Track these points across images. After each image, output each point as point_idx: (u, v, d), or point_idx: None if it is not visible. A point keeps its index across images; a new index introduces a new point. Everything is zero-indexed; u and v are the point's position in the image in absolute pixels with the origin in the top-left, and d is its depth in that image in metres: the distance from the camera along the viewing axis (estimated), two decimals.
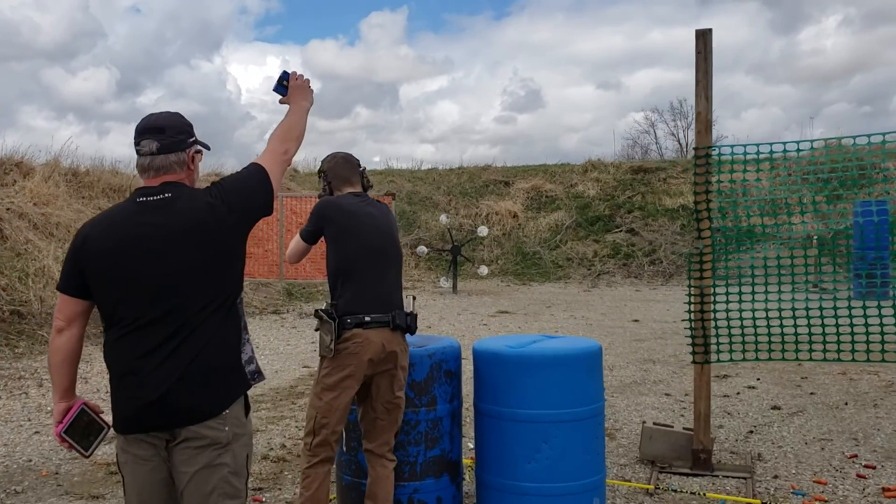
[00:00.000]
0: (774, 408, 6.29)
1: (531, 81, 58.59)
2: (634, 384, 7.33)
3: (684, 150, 34.81)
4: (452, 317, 12.38)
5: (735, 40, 57.84)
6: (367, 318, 3.27)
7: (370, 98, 61.00)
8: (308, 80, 2.70)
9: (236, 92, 59.06)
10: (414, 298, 3.54)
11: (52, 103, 53.23)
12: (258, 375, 2.48)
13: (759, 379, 7.41)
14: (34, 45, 52.75)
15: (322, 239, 3.45)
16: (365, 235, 3.38)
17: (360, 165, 3.64)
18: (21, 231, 11.95)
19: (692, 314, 4.83)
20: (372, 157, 32.60)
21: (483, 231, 17.38)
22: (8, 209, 12.42)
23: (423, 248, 17.63)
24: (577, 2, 67.80)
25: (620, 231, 19.53)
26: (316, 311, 3.33)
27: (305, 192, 15.78)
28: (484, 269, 17.16)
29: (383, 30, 65.25)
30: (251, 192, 2.44)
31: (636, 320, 11.75)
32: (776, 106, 55.14)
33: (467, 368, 4.11)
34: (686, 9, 61.93)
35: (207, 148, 2.58)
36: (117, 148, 54.72)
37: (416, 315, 3.47)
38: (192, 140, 2.46)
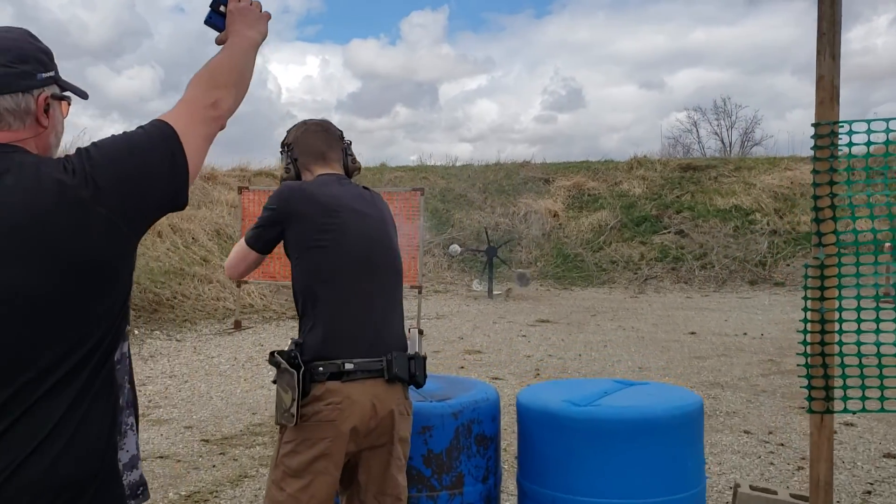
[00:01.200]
0: (888, 455, 5.06)
1: (572, 81, 58.00)
2: (704, 417, 6.13)
3: (728, 149, 33.64)
4: (487, 326, 11.23)
5: (781, 40, 57.05)
6: (350, 366, 2.21)
7: (410, 97, 61.26)
8: (258, 3, 1.63)
9: (276, 91, 59.43)
10: (421, 333, 2.43)
11: (97, 101, 54.21)
12: (143, 492, 1.43)
13: (855, 413, 6.17)
14: (81, 43, 53.69)
15: (281, 246, 2.37)
16: (348, 240, 2.31)
17: (342, 137, 2.56)
18: None
19: (809, 346, 3.60)
20: (409, 156, 32.11)
21: (455, 249, 16.23)
22: None
23: (455, 247, 16.44)
24: (618, 0, 66.49)
25: (669, 232, 18.22)
26: (273, 354, 2.25)
27: None
28: (517, 277, 15.61)
29: (424, 29, 65.54)
30: (144, 168, 1.37)
31: (693, 333, 10.50)
32: None
33: (507, 424, 2.98)
34: (731, 8, 60.72)
35: (81, 95, 1.52)
36: None
37: (425, 358, 2.38)
38: (45, 76, 1.40)
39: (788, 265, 16.51)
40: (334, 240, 2.28)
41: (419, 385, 2.34)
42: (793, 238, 17.22)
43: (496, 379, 7.41)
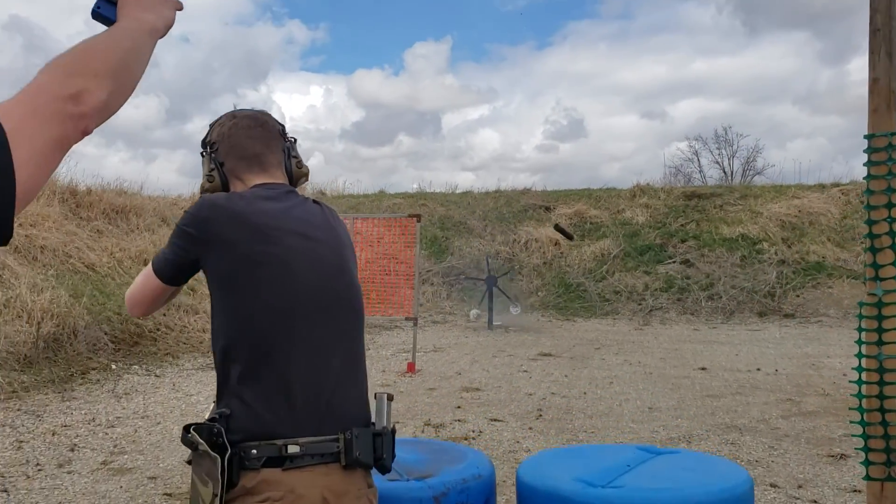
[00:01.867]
0: None
1: (574, 111, 58.31)
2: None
3: (729, 178, 33.32)
4: (486, 360, 10.64)
5: (782, 70, 57.18)
6: (294, 449, 1.65)
7: (413, 126, 61.74)
8: None
9: (281, 120, 59.77)
10: (390, 398, 1.86)
11: (103, 130, 53.82)
12: None
13: None
14: None
15: (204, 277, 1.81)
16: (291, 273, 1.76)
17: (283, 134, 2.01)
18: None
19: (865, 399, 3.02)
20: (411, 184, 31.92)
21: (514, 310, 15.68)
22: None
23: (476, 312, 15.74)
24: (619, 32, 66.89)
25: (674, 262, 17.67)
26: (187, 430, 1.70)
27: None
28: (516, 310, 14.94)
29: (427, 60, 65.97)
30: None
31: (703, 368, 9.91)
32: (823, 136, 54.12)
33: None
34: (732, 38, 60.75)
35: None
36: (163, 175, 58.22)
37: (394, 431, 1.82)
38: None
39: (798, 296, 15.94)
40: (271, 273, 1.73)
41: (385, 470, 1.77)
42: (802, 268, 16.67)
43: (496, 420, 6.84)
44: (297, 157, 2.01)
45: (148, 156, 54.81)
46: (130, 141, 56.07)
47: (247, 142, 1.92)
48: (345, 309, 1.84)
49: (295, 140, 2.04)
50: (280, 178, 1.94)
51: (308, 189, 21.37)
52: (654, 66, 64.15)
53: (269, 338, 1.71)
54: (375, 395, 1.84)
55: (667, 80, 62.49)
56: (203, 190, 1.94)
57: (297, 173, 2.00)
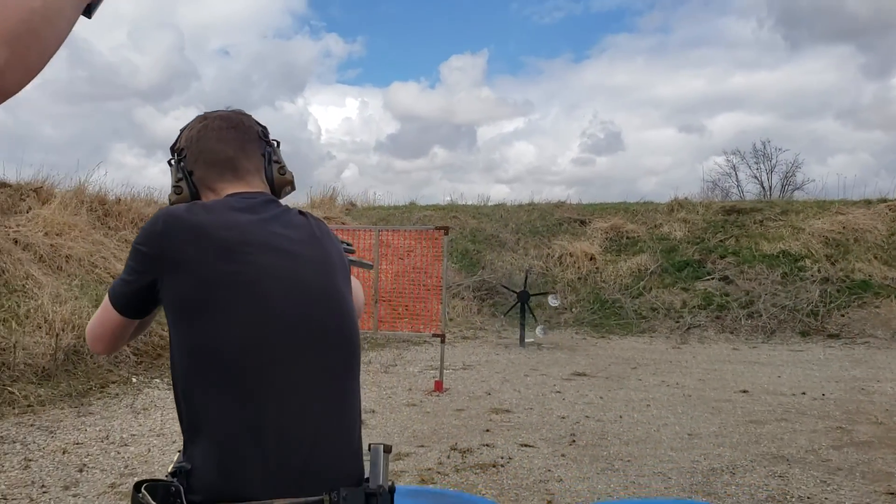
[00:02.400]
0: None
1: (611, 124, 58.10)
2: (772, 501, 5.15)
3: (768, 192, 32.65)
4: (518, 379, 10.26)
5: (823, 84, 56.31)
6: None
7: (448, 139, 62.16)
8: None
9: (316, 132, 60.65)
10: (388, 450, 1.52)
11: (143, 141, 55.98)
12: None
13: None
14: (131, 85, 55.52)
15: (168, 305, 1.50)
16: (264, 297, 1.45)
17: (263, 136, 1.72)
18: (22, 264, 10.36)
19: None
20: (444, 197, 31.83)
21: (553, 301, 15.34)
22: (14, 240, 10.90)
23: (554, 300, 15.47)
24: (657, 45, 66.43)
25: (712, 279, 17.16)
26: (138, 487, 1.39)
27: (362, 225, 13.47)
28: (540, 331, 14.24)
29: (463, 72, 66.23)
30: None
31: (745, 391, 9.45)
32: (866, 151, 52.96)
33: None
34: (772, 52, 59.91)
35: None
36: None
37: (393, 490, 1.50)
38: None
39: (843, 315, 15.35)
40: (237, 298, 1.42)
41: None
42: (847, 287, 16.06)
43: (526, 446, 6.47)
44: (279, 161, 1.71)
45: None
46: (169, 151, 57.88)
47: (217, 145, 1.64)
48: (330, 341, 1.52)
49: (278, 143, 1.75)
50: (258, 186, 1.65)
51: (339, 201, 21.15)
52: (692, 80, 63.73)
53: (236, 378, 1.40)
54: (370, 446, 1.52)
55: (705, 93, 62.06)
56: (171, 203, 1.64)
57: (279, 181, 1.70)
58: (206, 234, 1.45)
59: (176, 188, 1.65)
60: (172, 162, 1.69)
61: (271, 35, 78.11)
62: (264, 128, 1.74)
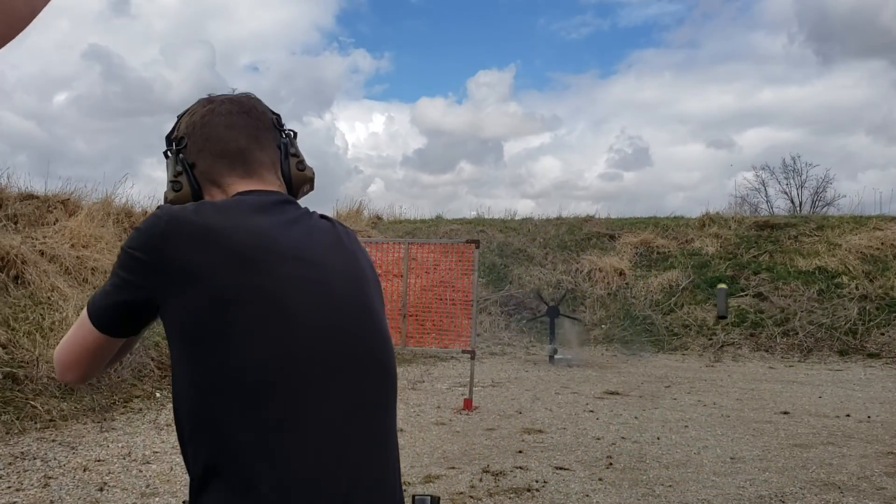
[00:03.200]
0: None
1: (639, 139, 57.75)
2: None
3: (797, 208, 32.13)
4: (549, 397, 9.98)
5: (855, 100, 55.59)
6: None
7: (475, 154, 62.25)
8: None
9: (343, 147, 61.00)
10: (436, 501, 1.29)
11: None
12: None
13: None
14: (164, 100, 56.06)
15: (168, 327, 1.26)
16: (291, 311, 1.21)
17: (278, 125, 1.47)
18: (48, 276, 10.26)
19: None
20: (470, 211, 31.66)
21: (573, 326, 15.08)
22: (41, 251, 10.82)
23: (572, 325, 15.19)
24: (685, 60, 65.97)
25: (746, 295, 16.76)
26: None
27: (390, 238, 13.22)
28: (551, 350, 13.88)
29: (490, 88, 66.26)
30: None
31: (786, 412, 9.10)
32: None
33: None
34: (802, 68, 59.24)
35: None
36: None
37: None
38: None
39: (883, 334, 14.90)
40: (257, 317, 1.19)
41: None
42: (886, 304, 15.61)
43: (561, 469, 6.19)
44: (297, 155, 1.47)
45: None
46: None
47: (226, 133, 1.40)
48: (368, 366, 1.29)
49: (295, 133, 1.50)
50: (273, 183, 1.42)
51: (365, 214, 20.98)
52: (720, 95, 63.24)
53: (256, 414, 1.17)
54: (414, 498, 1.28)
55: (734, 109, 61.50)
56: (167, 202, 1.41)
57: (297, 177, 1.47)
58: (219, 240, 1.21)
59: (174, 184, 1.41)
60: (170, 153, 1.45)
61: (300, 51, 78.76)
62: (278, 115, 1.50)
